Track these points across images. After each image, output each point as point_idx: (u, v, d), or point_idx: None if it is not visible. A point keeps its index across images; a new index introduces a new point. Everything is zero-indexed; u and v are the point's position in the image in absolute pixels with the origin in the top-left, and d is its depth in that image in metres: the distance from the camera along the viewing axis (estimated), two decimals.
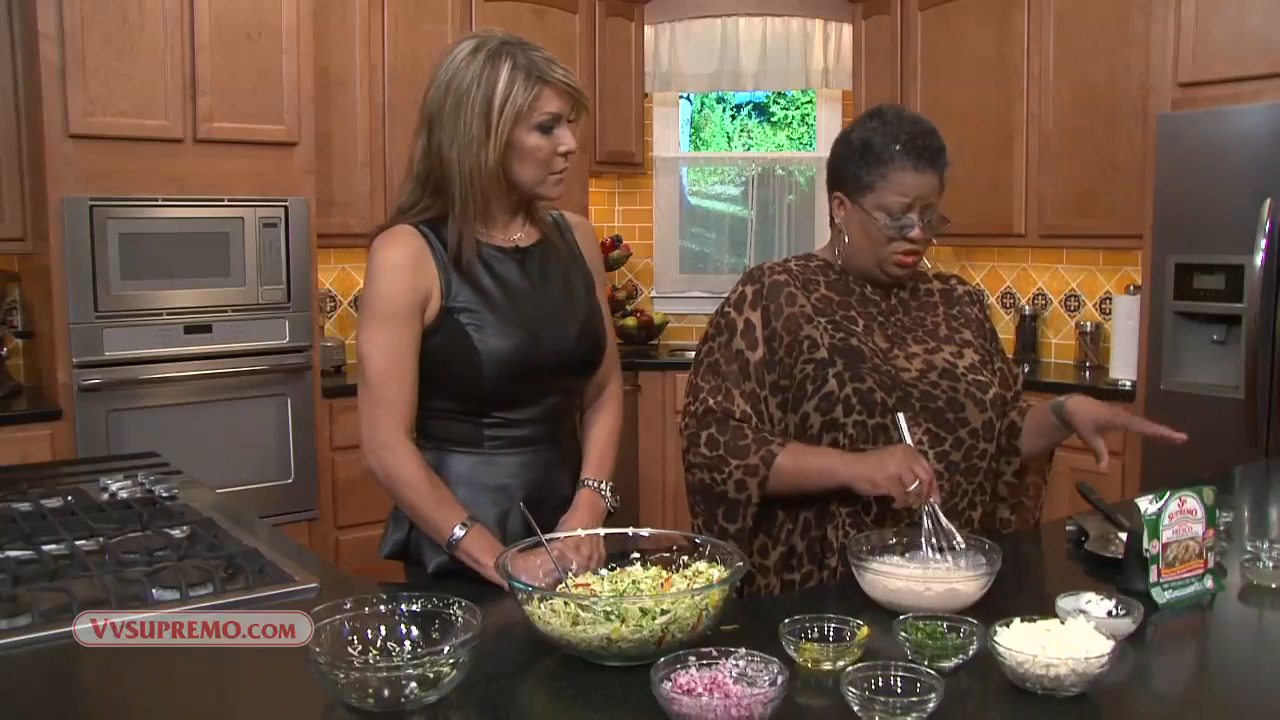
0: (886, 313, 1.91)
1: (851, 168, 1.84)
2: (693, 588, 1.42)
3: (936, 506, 1.65)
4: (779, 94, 5.56)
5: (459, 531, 1.72)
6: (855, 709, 1.16)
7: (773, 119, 5.68)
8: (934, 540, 1.62)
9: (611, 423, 1.99)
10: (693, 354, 2.00)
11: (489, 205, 1.79)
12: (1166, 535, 1.53)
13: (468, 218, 1.77)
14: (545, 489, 1.83)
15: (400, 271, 1.75)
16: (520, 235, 1.86)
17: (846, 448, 1.78)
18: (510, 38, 1.76)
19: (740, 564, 1.44)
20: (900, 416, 1.74)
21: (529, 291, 1.82)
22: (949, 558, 1.60)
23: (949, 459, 1.81)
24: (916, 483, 1.64)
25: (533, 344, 1.79)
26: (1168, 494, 1.54)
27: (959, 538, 1.61)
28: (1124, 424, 1.84)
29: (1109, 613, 1.41)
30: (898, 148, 1.80)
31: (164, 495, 2.13)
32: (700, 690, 1.16)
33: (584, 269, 1.94)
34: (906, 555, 1.62)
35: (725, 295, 1.95)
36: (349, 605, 1.33)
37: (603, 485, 1.91)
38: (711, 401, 1.83)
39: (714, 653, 1.22)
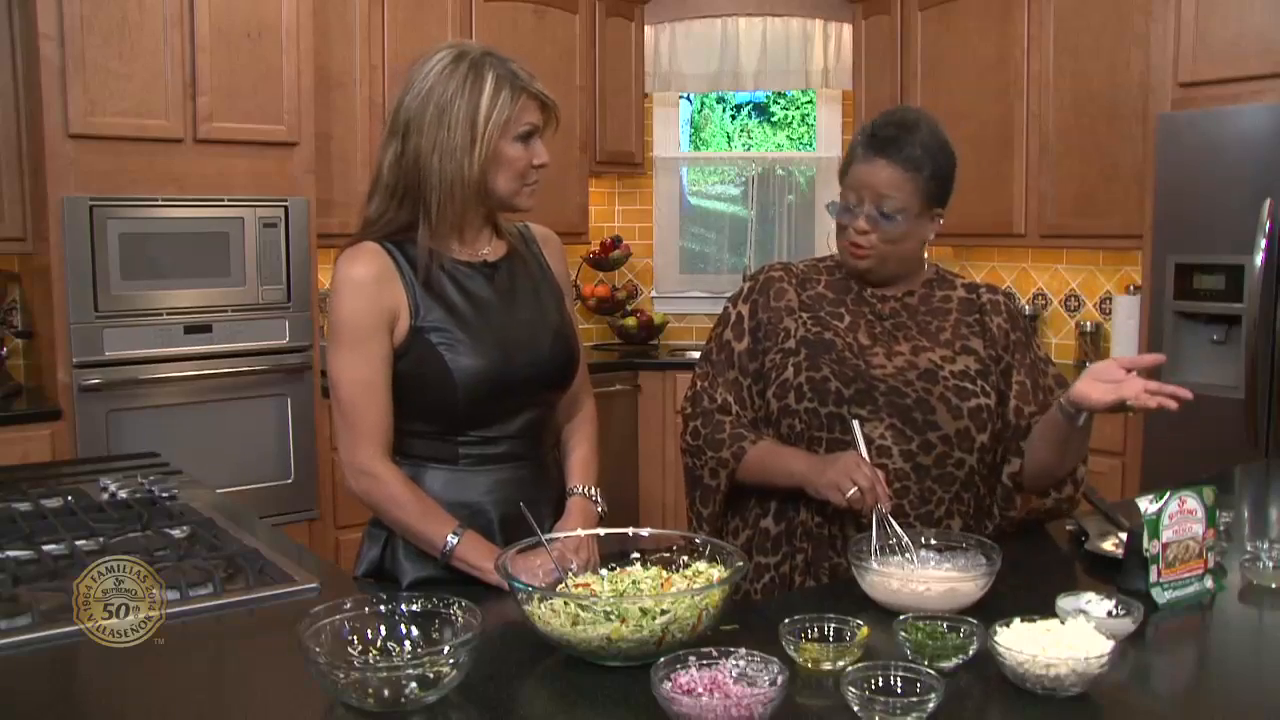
0: (882, 313, 1.90)
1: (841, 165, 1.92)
2: (693, 588, 1.42)
3: (885, 512, 1.64)
4: (779, 94, 5.56)
5: (451, 540, 1.71)
6: (855, 709, 1.16)
7: (773, 119, 5.68)
8: (887, 549, 1.61)
9: (590, 433, 1.99)
10: (693, 354, 2.04)
11: (464, 216, 1.77)
12: (1166, 535, 1.53)
13: (442, 228, 1.75)
14: (520, 506, 1.72)
15: (363, 289, 1.73)
16: (488, 250, 1.84)
17: (803, 434, 1.82)
18: (489, 48, 1.76)
19: (740, 564, 1.44)
20: (855, 424, 1.74)
21: (499, 307, 1.80)
22: (904, 561, 1.59)
23: (916, 460, 1.79)
24: (854, 490, 1.65)
25: (506, 360, 1.76)
26: (1168, 494, 1.54)
27: (906, 542, 1.61)
28: (1130, 403, 1.64)
29: (1109, 613, 1.41)
30: (857, 140, 1.86)
31: (164, 495, 2.13)
32: (700, 690, 1.16)
33: (552, 281, 1.92)
34: (907, 555, 1.62)
35: (730, 294, 2.03)
36: (349, 605, 1.33)
37: (592, 491, 1.90)
38: (699, 387, 1.94)
39: (714, 653, 1.22)
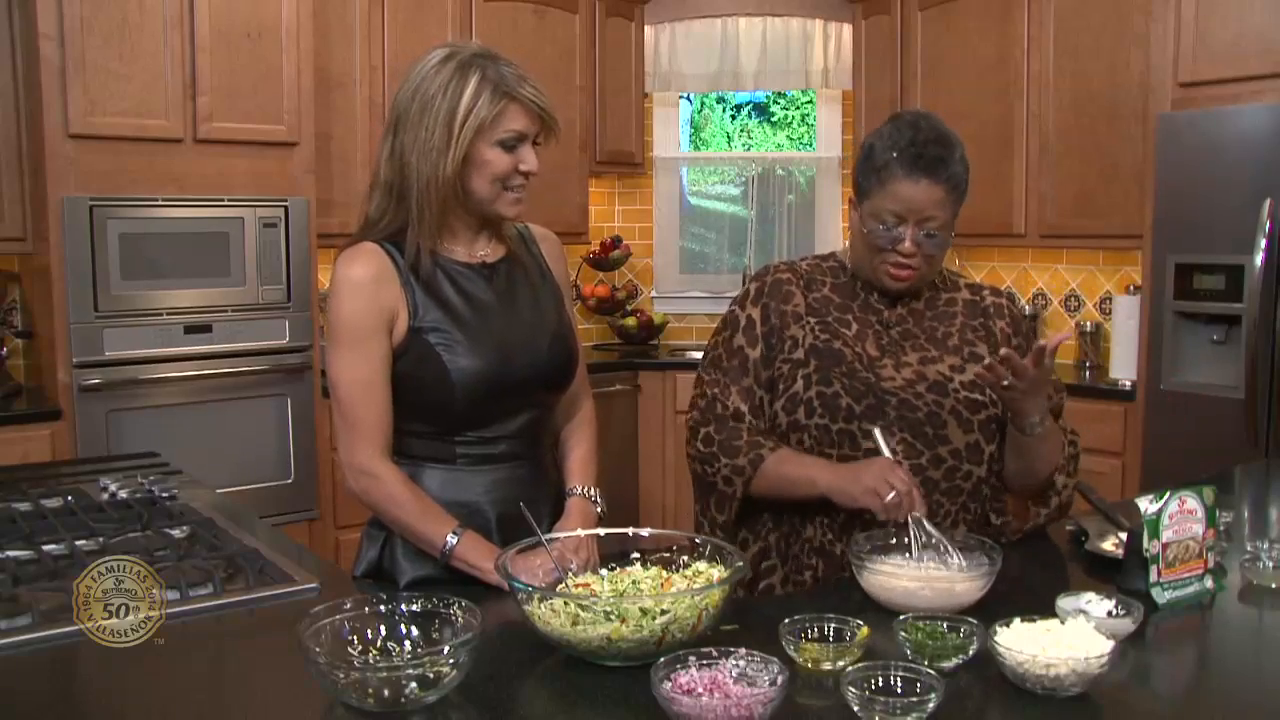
0: (889, 320, 1.88)
1: (857, 172, 1.84)
2: (693, 588, 1.42)
3: (922, 517, 1.63)
4: (779, 94, 5.56)
5: (451, 540, 1.71)
6: (855, 709, 1.16)
7: (773, 119, 5.68)
8: (923, 550, 1.60)
9: (589, 434, 1.99)
10: (693, 354, 2.01)
11: (446, 217, 1.76)
12: (1166, 535, 1.53)
13: (425, 227, 1.74)
14: (519, 506, 1.71)
15: (362, 290, 1.73)
16: (486, 251, 1.83)
17: (812, 449, 1.79)
18: (484, 50, 1.74)
19: (740, 564, 1.44)
20: (876, 430, 1.72)
21: (498, 308, 1.80)
22: (942, 564, 1.59)
23: (926, 474, 1.77)
24: (893, 494, 1.63)
25: (504, 362, 1.76)
26: (1168, 494, 1.54)
27: (947, 544, 1.60)
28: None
29: (1109, 613, 1.41)
30: (894, 155, 1.76)
31: (164, 495, 2.13)
32: (700, 690, 1.16)
33: (552, 283, 1.91)
34: (907, 555, 1.62)
35: (730, 294, 1.96)
36: (349, 605, 1.33)
37: (591, 492, 1.90)
38: (710, 395, 1.88)
39: (714, 653, 1.22)
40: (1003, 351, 1.68)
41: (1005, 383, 1.68)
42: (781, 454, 1.80)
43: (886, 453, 1.70)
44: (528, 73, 1.75)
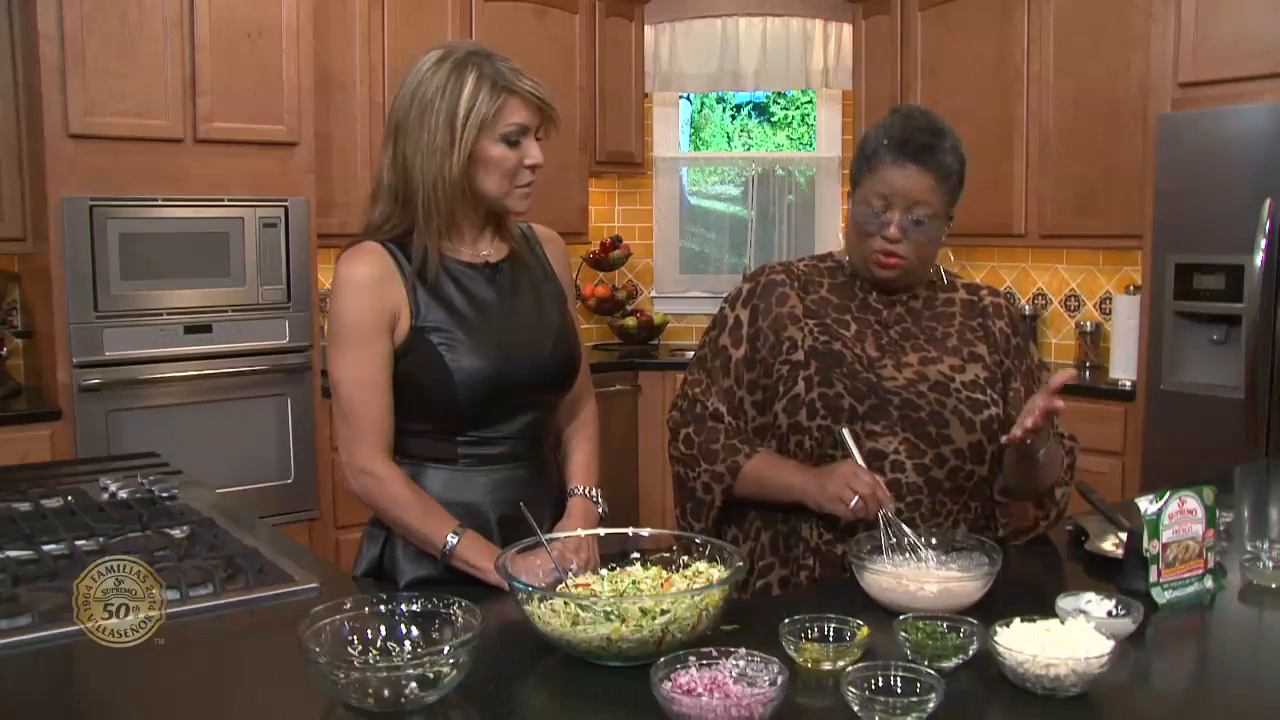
0: (888, 320, 1.87)
1: (853, 162, 1.86)
2: (693, 588, 1.42)
3: (890, 516, 1.63)
4: (779, 94, 5.56)
5: (452, 540, 1.71)
6: (855, 709, 1.16)
7: (773, 119, 5.68)
8: (894, 549, 1.61)
9: (591, 434, 1.99)
10: (692, 354, 2.00)
11: (453, 217, 1.76)
12: (1166, 535, 1.53)
13: (432, 229, 1.74)
14: (519, 506, 1.72)
15: (364, 289, 1.72)
16: (489, 250, 1.83)
17: (812, 451, 1.78)
18: (478, 48, 1.74)
19: (740, 564, 1.44)
20: (845, 431, 1.71)
21: (500, 308, 1.80)
22: (918, 562, 1.59)
23: (929, 474, 1.76)
24: (856, 500, 1.64)
25: (506, 362, 1.76)
26: (1168, 494, 1.54)
27: (919, 544, 1.61)
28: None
29: (1109, 613, 1.41)
30: (885, 142, 1.77)
31: (164, 495, 2.13)
32: (700, 690, 1.16)
33: (555, 283, 1.91)
34: (907, 555, 1.62)
35: (725, 294, 1.97)
36: (349, 605, 1.33)
37: (593, 492, 1.90)
38: (691, 395, 1.90)
39: (714, 653, 1.22)
40: (1011, 434, 1.64)
41: (1029, 441, 1.66)
42: (758, 460, 1.80)
43: (855, 453, 1.70)
44: (524, 68, 1.75)
